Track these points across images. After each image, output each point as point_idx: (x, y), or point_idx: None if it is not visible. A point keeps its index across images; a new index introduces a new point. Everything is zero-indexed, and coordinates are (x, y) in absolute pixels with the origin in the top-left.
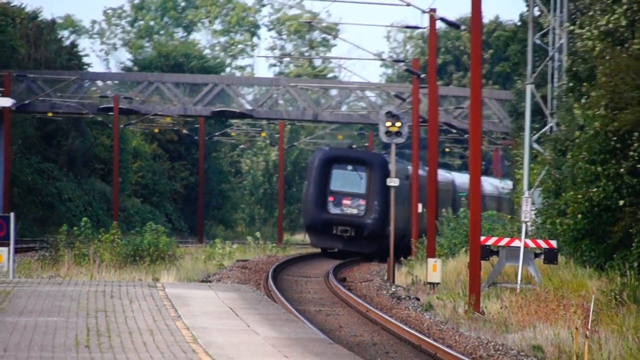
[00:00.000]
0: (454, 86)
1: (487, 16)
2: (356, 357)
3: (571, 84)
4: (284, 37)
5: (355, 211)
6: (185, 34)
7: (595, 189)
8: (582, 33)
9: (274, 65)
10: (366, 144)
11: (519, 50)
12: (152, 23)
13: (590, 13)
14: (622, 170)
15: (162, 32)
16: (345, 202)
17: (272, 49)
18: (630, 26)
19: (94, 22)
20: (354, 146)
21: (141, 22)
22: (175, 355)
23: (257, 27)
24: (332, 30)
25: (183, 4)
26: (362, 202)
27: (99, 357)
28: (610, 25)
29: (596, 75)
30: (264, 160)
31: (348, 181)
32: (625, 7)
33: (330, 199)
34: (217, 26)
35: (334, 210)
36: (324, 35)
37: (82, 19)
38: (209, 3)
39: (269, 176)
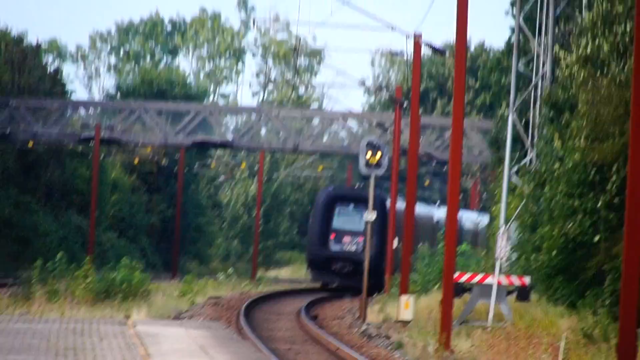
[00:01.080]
0: (437, 115)
1: (473, 41)
2: None
3: (550, 114)
4: (269, 62)
5: (354, 248)
6: (169, 59)
7: (571, 224)
8: (564, 58)
9: (257, 93)
10: (345, 176)
11: (502, 79)
12: (138, 48)
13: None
14: (599, 204)
15: (147, 57)
16: (346, 239)
17: (257, 75)
18: (612, 52)
19: (79, 47)
20: (357, 186)
21: (127, 46)
22: None
23: (243, 52)
24: (316, 56)
25: (169, 28)
26: (361, 239)
27: None
28: (589, 51)
29: (576, 105)
30: (243, 192)
31: (349, 219)
32: (607, 33)
33: (332, 236)
34: (203, 51)
35: (334, 247)
36: (309, 62)
37: (67, 42)
38: (197, 27)
39: (248, 209)
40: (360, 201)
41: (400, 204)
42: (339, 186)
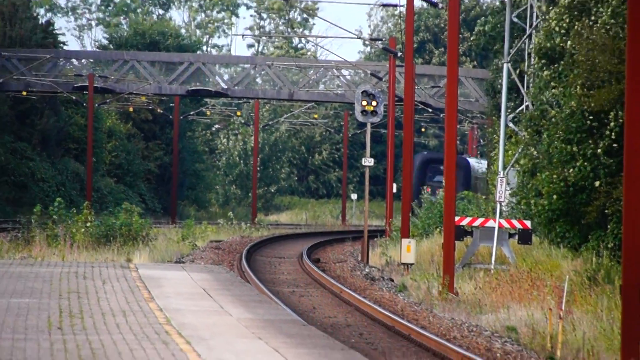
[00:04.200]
0: (432, 64)
1: None
2: (330, 339)
3: (542, 63)
4: (264, 16)
5: None
6: (162, 11)
7: (571, 169)
8: (550, 10)
9: (252, 45)
10: (341, 123)
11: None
12: (128, 0)
13: None
14: (599, 150)
15: (138, 10)
16: (437, 192)
17: (251, 29)
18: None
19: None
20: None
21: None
22: (149, 336)
23: (237, 5)
24: (311, 10)
25: None
26: None
27: (71, 338)
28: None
29: (565, 54)
30: (242, 141)
31: (439, 176)
32: None
33: (427, 189)
34: (194, 3)
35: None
36: (303, 15)
37: None
38: None
39: (245, 157)
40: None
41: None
42: (429, 152)
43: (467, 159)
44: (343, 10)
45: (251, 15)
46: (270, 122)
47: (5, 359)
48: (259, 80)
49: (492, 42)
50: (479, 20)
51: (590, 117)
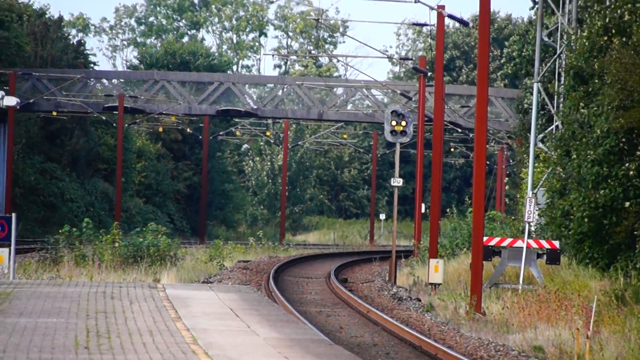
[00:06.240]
0: (461, 82)
1: (499, 13)
2: (356, 358)
3: (572, 82)
4: (290, 35)
5: None
6: (193, 31)
7: (602, 191)
8: (585, 28)
9: (278, 66)
10: (370, 143)
11: (525, 48)
12: (164, 22)
13: (596, 8)
14: (631, 173)
15: (171, 31)
16: None
17: (278, 49)
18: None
19: (103, 19)
20: None
21: (151, 20)
22: (175, 356)
23: (265, 26)
24: (338, 28)
25: (196, 0)
26: None
27: (98, 358)
28: (608, 20)
29: (596, 74)
30: (269, 161)
31: None
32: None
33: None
34: (226, 23)
35: None
36: (331, 34)
37: (91, 16)
38: (221, 3)
39: (273, 177)
40: None
41: None
42: None
43: None
44: (372, 29)
45: (277, 37)
46: (299, 143)
47: None
48: (286, 101)
49: (521, 65)
50: (506, 42)
51: (623, 139)
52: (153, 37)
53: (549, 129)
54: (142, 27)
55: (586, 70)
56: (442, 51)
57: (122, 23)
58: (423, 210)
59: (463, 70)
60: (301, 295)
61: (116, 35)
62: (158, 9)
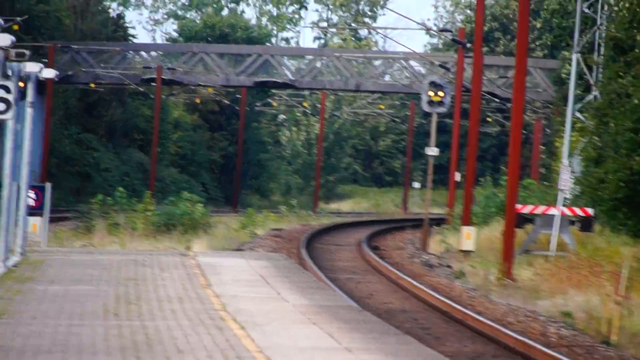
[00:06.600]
0: (499, 53)
1: None
2: (385, 324)
3: (612, 53)
4: (331, 8)
5: None
6: (233, 4)
7: (637, 158)
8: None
9: (318, 38)
10: (406, 113)
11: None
12: None
13: None
14: None
15: (210, 4)
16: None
17: (317, 22)
18: None
19: None
20: None
21: None
22: (203, 322)
23: None
24: (378, 1)
25: None
26: None
27: (127, 324)
28: None
29: (636, 45)
30: (305, 131)
31: None
32: None
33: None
34: None
35: None
36: (371, 7)
37: None
38: None
39: (308, 146)
40: None
41: None
42: None
43: None
44: (410, 1)
45: (315, 10)
46: (335, 113)
47: (60, 344)
48: (324, 72)
49: (559, 36)
50: (544, 8)
51: None
52: (193, 11)
53: (587, 98)
54: (182, 1)
55: (626, 41)
56: (481, 21)
57: None
58: (458, 179)
59: (501, 41)
60: (332, 263)
61: (157, 8)
62: None
